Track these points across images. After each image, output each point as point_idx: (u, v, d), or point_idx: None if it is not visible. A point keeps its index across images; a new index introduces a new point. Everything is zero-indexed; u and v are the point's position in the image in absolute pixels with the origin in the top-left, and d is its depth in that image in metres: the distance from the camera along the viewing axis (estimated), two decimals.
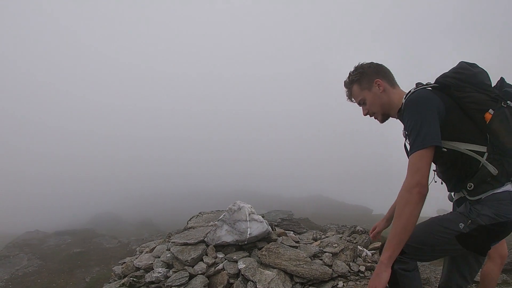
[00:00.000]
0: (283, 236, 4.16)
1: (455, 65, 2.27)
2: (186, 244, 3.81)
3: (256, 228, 3.72)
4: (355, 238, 4.66)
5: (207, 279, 3.43)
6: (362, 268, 3.83)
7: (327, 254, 3.79)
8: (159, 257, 3.88)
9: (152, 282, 3.50)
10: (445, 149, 2.12)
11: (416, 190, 2.01)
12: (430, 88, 2.22)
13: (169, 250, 3.90)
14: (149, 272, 3.65)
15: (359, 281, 3.65)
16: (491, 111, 2.06)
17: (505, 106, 2.07)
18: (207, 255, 3.71)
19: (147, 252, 4.25)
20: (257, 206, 4.34)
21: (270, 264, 3.38)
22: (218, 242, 3.72)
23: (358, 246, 3.92)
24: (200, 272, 3.48)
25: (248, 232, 3.67)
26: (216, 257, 3.65)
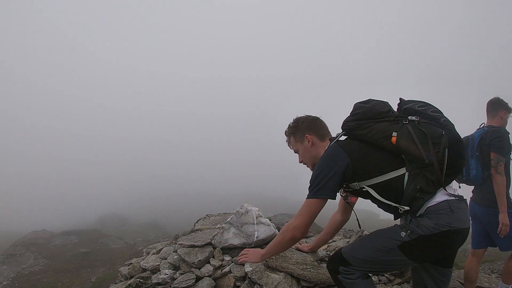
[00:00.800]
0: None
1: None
2: (193, 246, 3.81)
3: (264, 231, 3.71)
4: None
5: (213, 281, 3.42)
6: None
7: None
8: (166, 259, 3.88)
9: (159, 284, 3.50)
10: (365, 189, 2.30)
11: (290, 233, 2.40)
12: (342, 138, 2.49)
13: (176, 252, 3.89)
14: (155, 273, 3.65)
15: None
16: (394, 133, 2.22)
17: (406, 122, 2.27)
18: (214, 257, 3.70)
19: (153, 254, 4.25)
20: (264, 209, 4.32)
21: (277, 267, 3.36)
22: (225, 244, 3.72)
23: None
24: (207, 275, 3.47)
25: (256, 235, 3.65)
26: (223, 260, 3.64)
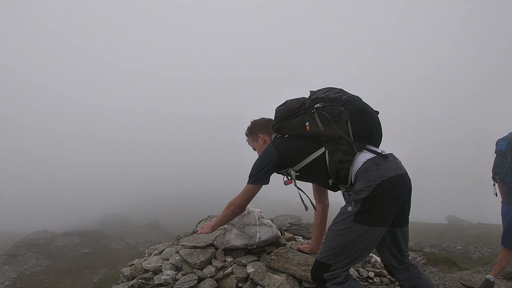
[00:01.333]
0: (292, 241, 4.13)
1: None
2: (195, 247, 3.81)
3: (266, 232, 3.70)
4: None
5: (215, 282, 3.42)
6: (371, 274, 3.81)
7: None
8: (168, 260, 3.88)
9: (161, 285, 3.50)
10: (298, 173, 2.79)
11: (232, 208, 3.00)
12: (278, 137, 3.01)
13: (178, 253, 3.89)
14: (157, 274, 3.65)
15: (368, 287, 3.63)
16: (307, 123, 2.70)
17: (314, 111, 2.71)
18: (216, 258, 3.70)
19: (156, 255, 4.25)
20: (266, 210, 4.32)
21: (279, 268, 3.36)
22: (227, 245, 3.71)
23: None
24: (209, 276, 3.47)
25: (258, 236, 3.65)
26: (225, 261, 3.64)
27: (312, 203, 3.14)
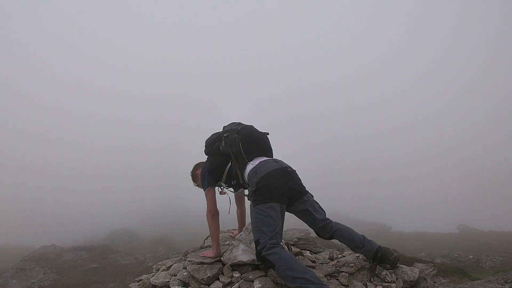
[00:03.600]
0: (300, 256, 4.13)
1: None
2: (202, 263, 3.82)
3: None
4: None
5: None
6: None
7: (343, 273, 3.74)
8: (175, 275, 3.90)
9: None
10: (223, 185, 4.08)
11: (209, 215, 3.87)
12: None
13: (186, 268, 3.92)
14: None
15: None
16: (220, 146, 4.01)
17: (223, 138, 4.02)
18: (223, 274, 3.72)
19: (163, 270, 4.27)
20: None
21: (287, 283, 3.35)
22: (235, 261, 3.72)
23: (378, 265, 3.84)
24: None
25: None
26: (232, 276, 3.65)
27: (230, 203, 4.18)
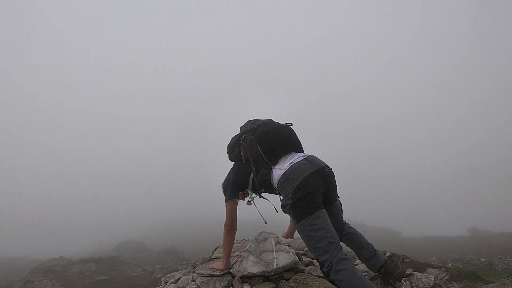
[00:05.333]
0: (311, 266, 4.04)
1: None
2: (211, 275, 3.75)
3: (283, 258, 3.62)
4: None
5: None
6: None
7: None
8: None
9: None
10: (252, 190, 3.64)
11: (225, 229, 3.61)
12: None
13: (194, 281, 3.85)
14: None
15: None
16: (241, 152, 3.60)
17: (241, 142, 3.61)
18: (233, 286, 3.62)
19: (172, 283, 4.22)
20: (281, 233, 4.29)
21: None
22: (244, 273, 3.63)
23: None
24: None
25: (275, 263, 3.57)
26: None
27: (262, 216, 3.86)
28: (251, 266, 3.64)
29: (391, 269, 3.41)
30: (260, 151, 3.41)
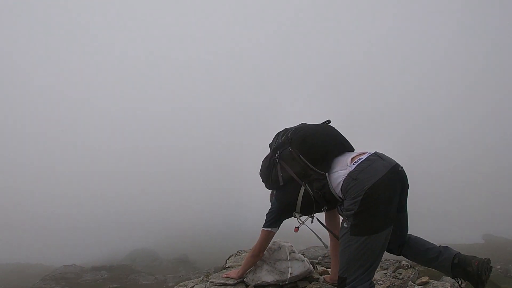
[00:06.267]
0: (325, 275, 4.00)
1: None
2: (225, 284, 3.72)
3: (298, 267, 3.59)
4: (401, 273, 4.43)
5: None
6: None
7: None
8: None
9: None
10: (301, 214, 3.05)
11: (252, 252, 3.38)
12: None
13: None
14: None
15: None
16: (279, 174, 3.02)
17: (277, 161, 3.04)
18: None
19: None
20: (296, 241, 4.23)
21: None
22: (258, 282, 3.60)
23: (410, 282, 3.73)
24: None
25: (289, 272, 3.53)
26: None
27: (332, 233, 3.24)
28: (265, 275, 3.60)
29: (467, 258, 2.72)
30: (305, 162, 2.85)
